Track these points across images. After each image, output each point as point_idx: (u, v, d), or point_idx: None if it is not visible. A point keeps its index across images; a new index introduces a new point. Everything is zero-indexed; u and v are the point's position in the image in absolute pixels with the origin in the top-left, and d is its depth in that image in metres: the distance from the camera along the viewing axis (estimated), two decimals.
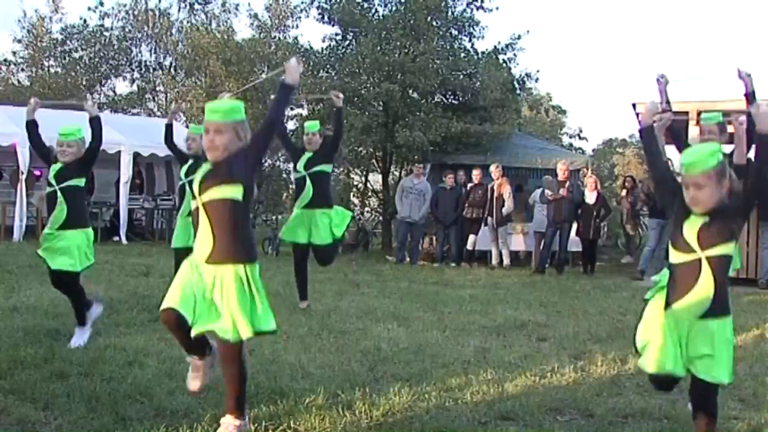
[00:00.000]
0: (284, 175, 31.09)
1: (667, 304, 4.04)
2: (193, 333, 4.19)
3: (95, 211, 17.97)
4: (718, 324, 3.94)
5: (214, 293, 4.16)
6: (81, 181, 6.45)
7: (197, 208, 4.22)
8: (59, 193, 6.35)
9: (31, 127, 6.85)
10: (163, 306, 4.22)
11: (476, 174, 15.76)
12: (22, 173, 17.00)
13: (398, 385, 5.39)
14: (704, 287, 3.91)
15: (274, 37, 27.78)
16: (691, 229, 3.96)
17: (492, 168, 15.50)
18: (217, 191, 4.17)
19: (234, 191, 4.18)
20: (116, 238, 17.65)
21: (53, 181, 6.40)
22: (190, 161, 8.41)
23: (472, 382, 5.65)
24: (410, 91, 18.62)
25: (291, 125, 22.31)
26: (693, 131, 10.24)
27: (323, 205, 8.64)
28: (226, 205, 4.18)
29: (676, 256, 4.02)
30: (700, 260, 3.91)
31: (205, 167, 4.29)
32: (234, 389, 4.28)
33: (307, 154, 8.73)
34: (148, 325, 7.11)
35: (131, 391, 5.01)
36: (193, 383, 4.49)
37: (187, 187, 7.98)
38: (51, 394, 4.93)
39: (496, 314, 8.92)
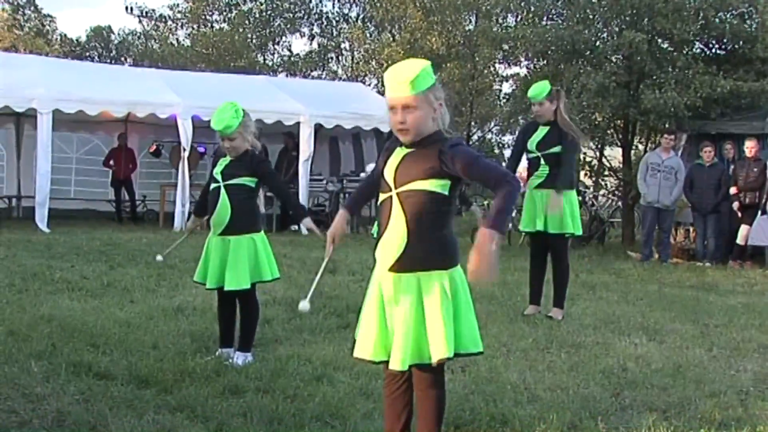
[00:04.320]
0: (496, 150, 31.15)
1: None
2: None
3: (269, 195, 18.47)
4: None
5: (397, 311, 4.08)
6: (251, 181, 6.50)
7: (388, 199, 4.16)
8: (223, 191, 6.45)
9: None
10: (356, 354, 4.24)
11: (750, 146, 15.21)
12: (184, 150, 17.67)
13: (653, 416, 5.30)
14: None
15: None
16: None
17: None
18: (418, 184, 4.10)
19: (439, 185, 4.10)
20: (294, 228, 17.99)
21: (219, 177, 6.52)
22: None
23: (752, 416, 5.46)
24: (660, 41, 18.14)
25: (506, 88, 22.28)
26: None
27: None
28: (430, 197, 4.10)
29: None
30: None
31: (401, 153, 4.21)
32: (429, 424, 4.20)
33: (542, 130, 8.52)
34: (337, 333, 7.25)
35: (319, 412, 5.12)
36: None
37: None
38: (225, 412, 5.11)
39: None
